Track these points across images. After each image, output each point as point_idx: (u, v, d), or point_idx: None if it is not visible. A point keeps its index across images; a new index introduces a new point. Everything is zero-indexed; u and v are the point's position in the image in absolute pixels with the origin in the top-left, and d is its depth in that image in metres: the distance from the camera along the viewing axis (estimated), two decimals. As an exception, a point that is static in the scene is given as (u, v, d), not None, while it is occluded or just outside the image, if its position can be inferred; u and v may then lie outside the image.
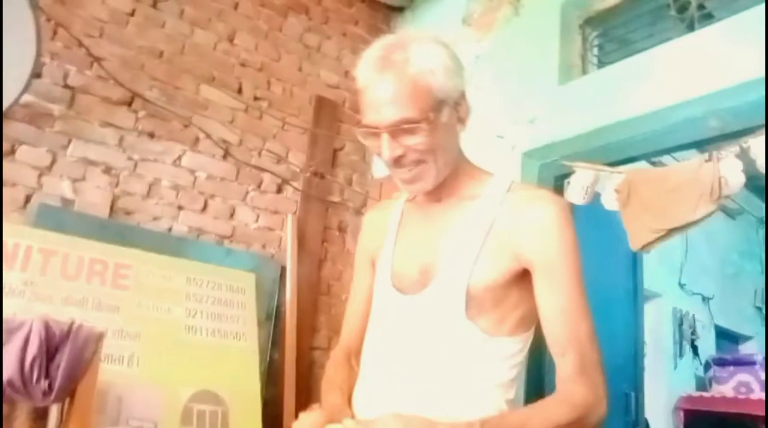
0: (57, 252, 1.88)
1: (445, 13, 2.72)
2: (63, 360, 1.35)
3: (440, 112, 0.97)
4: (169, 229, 2.26)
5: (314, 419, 0.98)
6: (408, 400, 0.94)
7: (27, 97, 1.98)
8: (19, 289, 1.75)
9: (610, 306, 2.48)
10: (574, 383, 0.91)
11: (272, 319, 2.37)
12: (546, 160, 2.09)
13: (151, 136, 2.27)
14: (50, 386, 1.31)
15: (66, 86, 2.11)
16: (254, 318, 2.21)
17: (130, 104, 2.24)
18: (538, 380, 1.76)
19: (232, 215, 2.43)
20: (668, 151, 1.92)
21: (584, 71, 2.14)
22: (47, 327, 1.35)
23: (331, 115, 2.77)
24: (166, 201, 2.27)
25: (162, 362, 1.87)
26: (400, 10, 3.04)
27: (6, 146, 1.98)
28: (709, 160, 1.62)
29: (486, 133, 2.24)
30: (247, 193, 2.48)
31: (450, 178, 1.04)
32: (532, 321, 1.00)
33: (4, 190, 1.96)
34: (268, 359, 2.29)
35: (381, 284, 1.09)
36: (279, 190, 2.57)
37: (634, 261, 2.79)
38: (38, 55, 1.92)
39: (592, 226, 1.65)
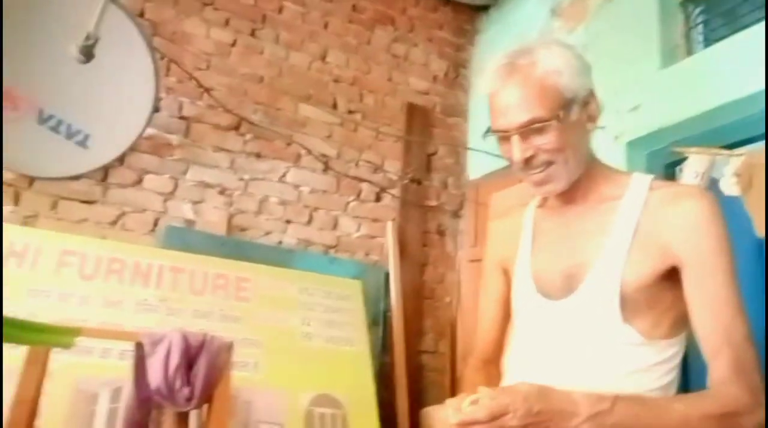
0: (185, 269, 2.05)
1: (532, 7, 2.67)
2: (201, 368, 1.47)
3: (569, 110, 0.96)
4: (280, 242, 2.40)
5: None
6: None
7: (149, 131, 2.18)
8: (155, 305, 1.93)
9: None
10: (728, 384, 0.85)
11: (380, 324, 2.44)
12: (653, 148, 2.00)
13: (258, 156, 2.42)
14: (192, 392, 1.44)
15: (181, 117, 2.30)
16: (364, 323, 2.29)
17: (237, 128, 2.40)
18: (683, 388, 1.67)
19: (335, 225, 2.53)
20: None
21: (689, 52, 2.02)
22: (185, 339, 1.48)
23: (422, 121, 2.80)
24: (275, 216, 2.41)
25: (283, 368, 1.98)
26: (484, 9, 3.03)
27: (134, 176, 2.19)
28: None
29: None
30: (348, 203, 2.57)
31: (583, 179, 1.02)
32: (684, 323, 0.96)
33: (136, 215, 2.17)
34: (378, 363, 2.35)
35: (522, 291, 1.08)
36: (377, 199, 2.64)
37: (760, 249, 2.58)
38: (157, 91, 2.11)
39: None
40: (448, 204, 2.79)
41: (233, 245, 2.26)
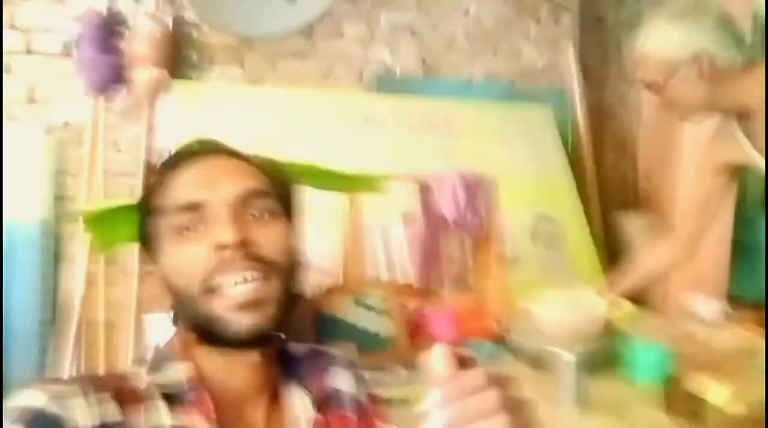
0: (401, 114, 2.21)
1: None
2: (481, 202, 1.69)
3: None
4: (470, 78, 2.47)
5: None
6: None
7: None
8: (388, 147, 2.13)
9: None
10: None
11: (567, 145, 2.56)
12: None
13: (441, -8, 2.39)
14: (480, 222, 1.69)
15: (366, -42, 2.27)
16: (559, 148, 2.43)
17: (416, -36, 2.35)
18: None
19: (519, 55, 2.55)
20: None
21: None
22: (464, 178, 1.69)
23: (597, -74, 2.60)
24: (463, 52, 2.45)
25: (505, 194, 2.18)
26: None
27: (335, 28, 2.25)
28: None
29: None
30: (529, 29, 2.55)
31: None
32: None
33: (342, 66, 2.28)
34: (571, 183, 2.53)
35: None
36: (557, 21, 2.59)
37: None
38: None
39: None
40: (624, 17, 2.69)
41: (431, 85, 2.36)
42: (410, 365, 1.37)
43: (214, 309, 0.59)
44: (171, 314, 0.66)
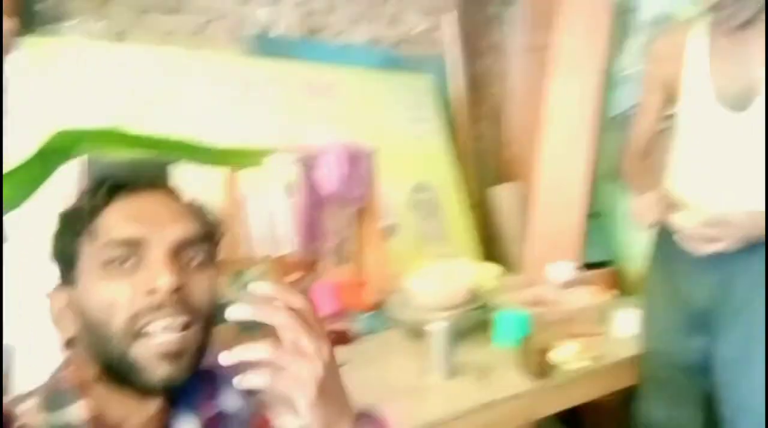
0: (281, 79, 2.14)
1: None
2: (361, 173, 1.71)
3: None
4: (351, 42, 2.44)
5: (652, 200, 1.30)
6: (737, 197, 1.20)
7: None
8: (267, 114, 2.06)
9: None
10: None
11: (445, 113, 2.65)
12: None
13: (322, -52, 2.31)
14: (361, 193, 1.71)
15: None
16: (438, 117, 2.50)
17: None
18: None
19: (400, 21, 2.55)
20: None
21: None
22: (344, 149, 1.69)
23: None
24: (344, 15, 2.40)
25: (384, 163, 2.23)
26: None
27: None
28: None
29: None
30: (411, -5, 2.56)
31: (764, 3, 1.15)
32: None
33: (217, 23, 2.14)
34: (448, 150, 2.63)
35: (698, 101, 1.25)
36: (437, -12, 2.62)
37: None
38: None
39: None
40: (500, -10, 2.79)
41: (311, 48, 2.30)
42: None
43: (134, 353, 0.57)
44: (64, 341, 0.62)
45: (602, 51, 2.24)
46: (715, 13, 1.17)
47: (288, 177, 1.83)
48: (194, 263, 0.63)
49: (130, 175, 0.66)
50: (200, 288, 0.62)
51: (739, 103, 1.21)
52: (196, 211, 0.67)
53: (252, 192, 1.92)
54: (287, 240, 1.88)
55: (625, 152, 1.51)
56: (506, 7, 2.82)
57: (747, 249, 1.18)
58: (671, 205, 1.26)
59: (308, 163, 1.70)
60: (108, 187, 0.64)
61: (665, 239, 1.34)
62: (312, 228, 1.75)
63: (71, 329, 0.61)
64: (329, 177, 1.66)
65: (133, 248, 0.59)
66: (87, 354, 0.61)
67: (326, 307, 1.56)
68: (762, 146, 1.19)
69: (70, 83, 1.72)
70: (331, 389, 0.54)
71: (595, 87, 2.25)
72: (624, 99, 2.29)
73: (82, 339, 0.61)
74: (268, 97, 2.09)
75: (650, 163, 1.43)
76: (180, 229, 0.62)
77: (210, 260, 0.65)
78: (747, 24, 1.19)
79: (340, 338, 1.49)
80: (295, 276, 1.69)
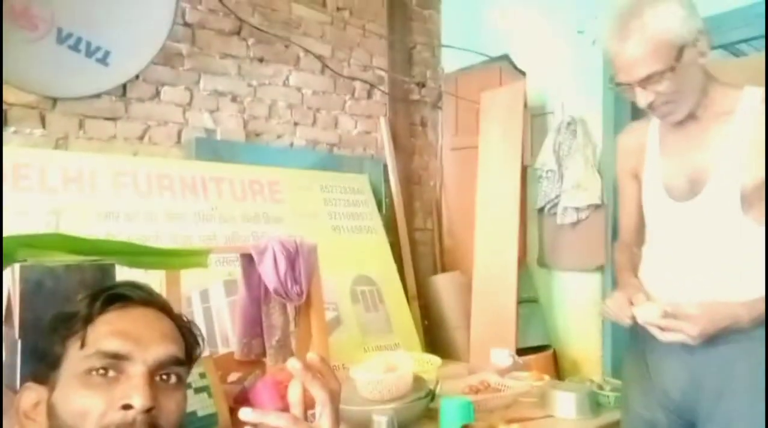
0: (224, 178, 2.21)
1: None
2: (301, 269, 1.75)
3: (681, 56, 1.11)
4: (291, 144, 2.57)
5: (620, 297, 1.26)
6: (694, 286, 1.20)
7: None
8: (209, 214, 2.11)
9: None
10: None
11: (382, 210, 2.78)
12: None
13: (261, 60, 2.48)
14: (301, 289, 1.74)
15: (185, 24, 2.28)
16: (376, 213, 2.62)
17: (239, 33, 2.42)
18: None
19: (336, 124, 2.72)
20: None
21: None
22: (284, 246, 1.74)
23: (402, 15, 2.93)
24: (284, 119, 2.55)
25: (326, 258, 2.28)
26: None
27: (151, 89, 2.21)
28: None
29: (567, 28, 2.49)
30: (345, 102, 2.75)
31: (702, 98, 1.19)
32: None
33: (160, 128, 2.23)
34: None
35: (652, 195, 1.29)
36: (369, 96, 2.83)
37: None
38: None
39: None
40: (428, 96, 3.04)
41: (253, 150, 2.41)
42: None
43: None
44: None
45: (521, 150, 2.46)
46: (652, 113, 1.22)
47: (230, 275, 1.85)
48: (170, 382, 0.67)
49: (126, 288, 0.70)
50: (170, 408, 0.65)
51: (684, 194, 1.23)
52: (183, 331, 0.72)
53: (193, 291, 1.92)
54: (229, 338, 1.86)
55: (616, 244, 1.52)
56: (434, 111, 3.07)
57: (716, 342, 1.15)
58: (638, 298, 1.24)
59: (249, 261, 1.74)
60: (105, 298, 0.68)
61: (640, 331, 1.31)
62: (254, 325, 1.75)
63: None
64: (271, 273, 1.70)
65: (116, 361, 0.63)
66: None
67: (270, 405, 1.53)
68: (712, 236, 1.20)
69: (11, 190, 1.72)
70: None
71: (517, 182, 2.45)
72: (546, 192, 2.49)
73: None
74: (210, 199, 2.14)
75: (635, 254, 1.41)
76: (163, 350, 0.67)
77: (184, 380, 0.70)
78: (689, 118, 1.22)
79: None
80: (236, 374, 1.66)
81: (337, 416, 0.68)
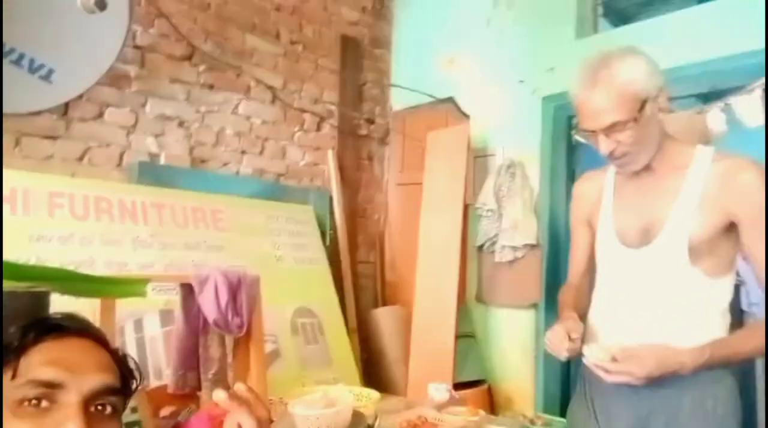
0: (165, 205, 2.17)
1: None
2: (243, 301, 1.73)
3: (644, 109, 1.17)
4: (237, 172, 2.56)
5: (560, 331, 1.28)
6: (643, 330, 1.24)
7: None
8: (148, 240, 2.06)
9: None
10: None
11: (326, 241, 2.79)
12: (562, 103, 2.52)
13: (211, 87, 2.48)
14: (241, 321, 1.71)
15: (135, 46, 2.25)
16: (320, 244, 2.63)
17: (190, 59, 2.41)
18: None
19: (284, 155, 2.73)
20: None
21: (596, 30, 2.52)
22: (227, 276, 1.72)
23: (355, 53, 3.01)
24: (231, 147, 2.54)
25: (268, 288, 2.26)
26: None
27: (95, 110, 2.16)
28: (699, 112, 2.12)
29: (509, 77, 2.63)
30: (294, 133, 2.77)
31: (657, 152, 1.25)
32: (734, 265, 1.26)
33: (101, 150, 2.17)
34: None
35: (606, 241, 1.33)
36: (318, 128, 2.87)
37: None
38: (130, 21, 2.06)
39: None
40: (376, 132, 3.11)
41: (197, 177, 2.38)
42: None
43: None
44: None
45: (463, 189, 2.55)
46: (611, 161, 1.28)
47: (167, 304, 1.80)
48: (105, 412, 0.66)
49: (61, 319, 0.68)
50: None
51: (636, 242, 1.28)
52: (118, 362, 0.72)
53: (126, 320, 1.86)
54: (162, 371, 1.81)
55: (563, 286, 1.57)
56: (381, 147, 3.14)
57: (663, 384, 1.19)
58: (578, 332, 1.28)
59: (189, 290, 1.70)
60: (39, 328, 0.66)
61: (585, 374, 1.35)
62: (190, 357, 1.70)
63: None
64: (211, 304, 1.67)
65: (50, 390, 0.62)
66: None
67: (203, 440, 1.49)
68: (661, 283, 1.25)
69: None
70: None
71: (459, 220, 2.53)
72: (485, 230, 2.58)
73: None
74: (150, 224, 2.09)
75: (582, 295, 1.45)
76: (98, 379, 0.66)
77: (119, 411, 0.69)
78: (645, 170, 1.27)
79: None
80: (170, 408, 1.61)
81: None
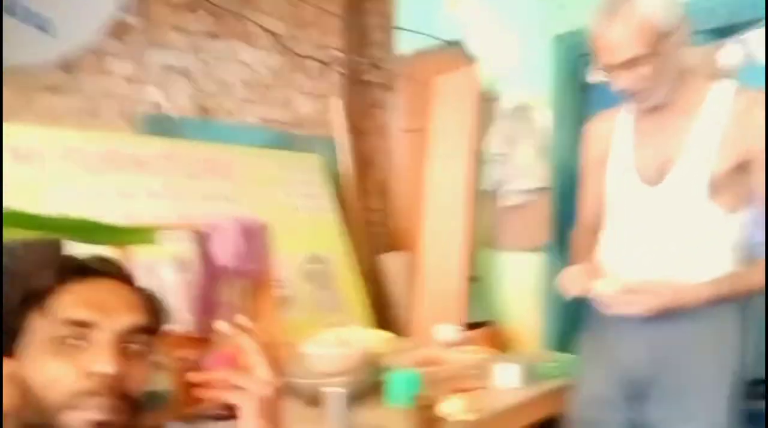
0: (177, 156, 2.18)
1: None
2: (255, 247, 1.77)
3: (664, 42, 1.15)
4: (243, 122, 2.55)
5: (580, 271, 1.33)
6: (655, 266, 1.25)
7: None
8: (162, 192, 2.09)
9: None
10: None
11: (334, 189, 2.80)
12: (572, 42, 2.45)
13: (214, 36, 2.44)
14: (254, 267, 1.76)
15: (136, -5, 2.21)
16: (328, 193, 2.64)
17: (192, 8, 2.37)
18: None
19: (289, 103, 2.72)
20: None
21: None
22: (238, 224, 1.75)
23: (358, -5, 2.93)
24: (236, 96, 2.53)
25: (280, 236, 2.30)
26: None
27: (98, 62, 2.15)
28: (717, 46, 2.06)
29: (518, 16, 2.56)
30: (299, 80, 2.74)
31: (676, 86, 1.23)
32: (749, 200, 1.25)
33: (108, 103, 2.17)
34: (339, 223, 2.76)
35: (620, 178, 1.32)
36: (323, 75, 2.83)
37: None
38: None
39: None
40: (382, 78, 3.07)
41: (205, 128, 2.38)
42: (191, 420, 1.37)
43: (64, 421, 0.62)
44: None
45: (471, 134, 2.54)
46: (627, 97, 1.27)
47: (181, 252, 1.85)
48: (136, 351, 0.69)
49: (91, 261, 0.70)
50: (136, 376, 0.68)
51: (654, 178, 1.28)
52: (147, 301, 0.74)
53: (144, 269, 1.91)
54: (180, 316, 1.86)
55: (574, 229, 1.57)
56: (387, 93, 3.10)
57: (674, 317, 1.21)
58: (596, 275, 1.29)
59: (202, 239, 1.74)
60: (70, 269, 0.69)
61: (598, 311, 1.36)
62: (206, 303, 1.76)
63: (9, 400, 0.63)
64: (224, 251, 1.71)
65: (83, 329, 0.65)
66: (19, 421, 0.63)
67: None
68: (678, 218, 1.25)
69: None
70: (273, 410, 0.72)
71: (467, 165, 2.53)
72: (493, 175, 2.58)
73: (17, 408, 0.63)
74: (161, 176, 2.11)
75: (595, 239, 1.45)
76: (129, 318, 0.68)
77: (149, 350, 0.72)
78: (662, 105, 1.26)
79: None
80: (188, 351, 1.67)
81: (275, 363, 0.76)
